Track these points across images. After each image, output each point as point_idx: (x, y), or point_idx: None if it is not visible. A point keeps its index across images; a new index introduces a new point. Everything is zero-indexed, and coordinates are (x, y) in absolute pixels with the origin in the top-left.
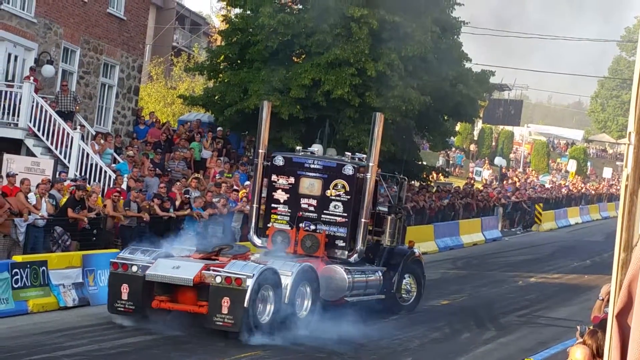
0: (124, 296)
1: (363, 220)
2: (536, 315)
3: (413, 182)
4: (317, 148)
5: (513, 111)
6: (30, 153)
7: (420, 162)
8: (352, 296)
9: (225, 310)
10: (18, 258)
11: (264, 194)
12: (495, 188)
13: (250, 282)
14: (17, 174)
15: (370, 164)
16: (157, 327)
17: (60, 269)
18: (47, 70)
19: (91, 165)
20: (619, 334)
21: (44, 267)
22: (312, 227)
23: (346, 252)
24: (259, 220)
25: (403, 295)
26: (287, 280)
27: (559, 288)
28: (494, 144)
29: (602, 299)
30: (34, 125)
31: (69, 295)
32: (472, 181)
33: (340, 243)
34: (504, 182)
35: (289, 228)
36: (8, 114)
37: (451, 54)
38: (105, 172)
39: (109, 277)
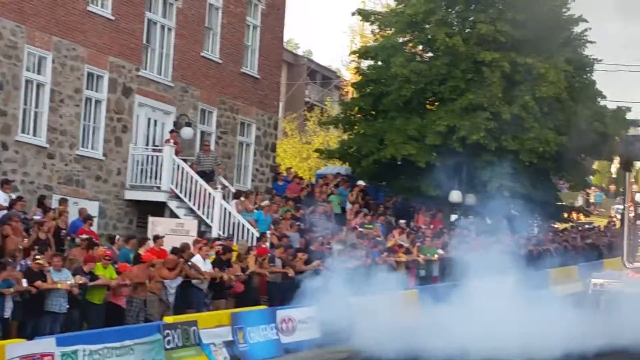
0: None
1: None
2: None
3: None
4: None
5: None
6: (173, 215)
7: (560, 203)
8: None
9: None
10: (169, 319)
11: None
12: None
13: None
14: (164, 236)
15: None
16: None
17: (210, 328)
18: (186, 132)
19: (234, 223)
20: None
21: (194, 327)
22: None
23: None
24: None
25: None
26: None
27: None
28: (633, 180)
29: None
30: (176, 187)
31: (220, 353)
32: (614, 219)
33: None
34: None
35: None
36: (151, 177)
37: (586, 92)
38: (248, 230)
39: None
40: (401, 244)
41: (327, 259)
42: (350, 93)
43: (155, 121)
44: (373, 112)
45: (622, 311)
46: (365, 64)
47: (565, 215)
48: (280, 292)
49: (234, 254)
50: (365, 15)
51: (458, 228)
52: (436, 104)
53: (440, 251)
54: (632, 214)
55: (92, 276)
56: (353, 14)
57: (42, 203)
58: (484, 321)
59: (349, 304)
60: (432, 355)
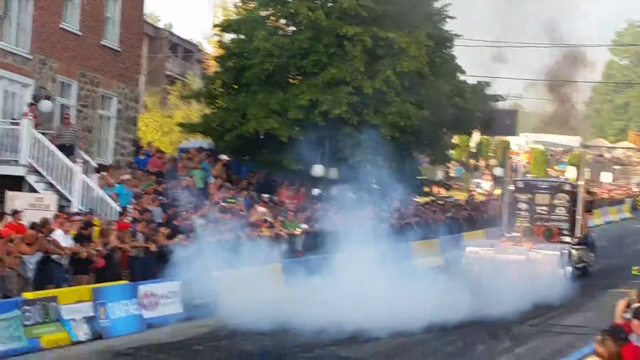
0: None
1: (578, 217)
2: (550, 324)
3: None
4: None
5: (508, 121)
6: (32, 189)
7: (421, 177)
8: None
9: None
10: (28, 295)
11: None
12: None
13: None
14: (22, 211)
15: (581, 183)
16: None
17: (70, 303)
18: (45, 105)
19: (94, 198)
20: None
21: (54, 303)
22: (547, 224)
23: (569, 238)
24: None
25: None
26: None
27: (569, 294)
28: (491, 154)
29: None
30: (35, 161)
31: (80, 329)
32: (474, 193)
33: (566, 232)
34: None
35: (531, 225)
36: (9, 151)
37: (446, 67)
38: (109, 204)
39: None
40: (264, 218)
41: (190, 233)
42: (213, 67)
43: (13, 94)
44: (235, 86)
45: (493, 277)
46: (228, 37)
47: (426, 189)
48: (142, 267)
49: (95, 229)
50: None
51: (321, 202)
52: (299, 78)
53: (304, 225)
54: (512, 188)
55: None
56: None
57: None
58: (350, 293)
59: (212, 278)
60: (298, 327)
